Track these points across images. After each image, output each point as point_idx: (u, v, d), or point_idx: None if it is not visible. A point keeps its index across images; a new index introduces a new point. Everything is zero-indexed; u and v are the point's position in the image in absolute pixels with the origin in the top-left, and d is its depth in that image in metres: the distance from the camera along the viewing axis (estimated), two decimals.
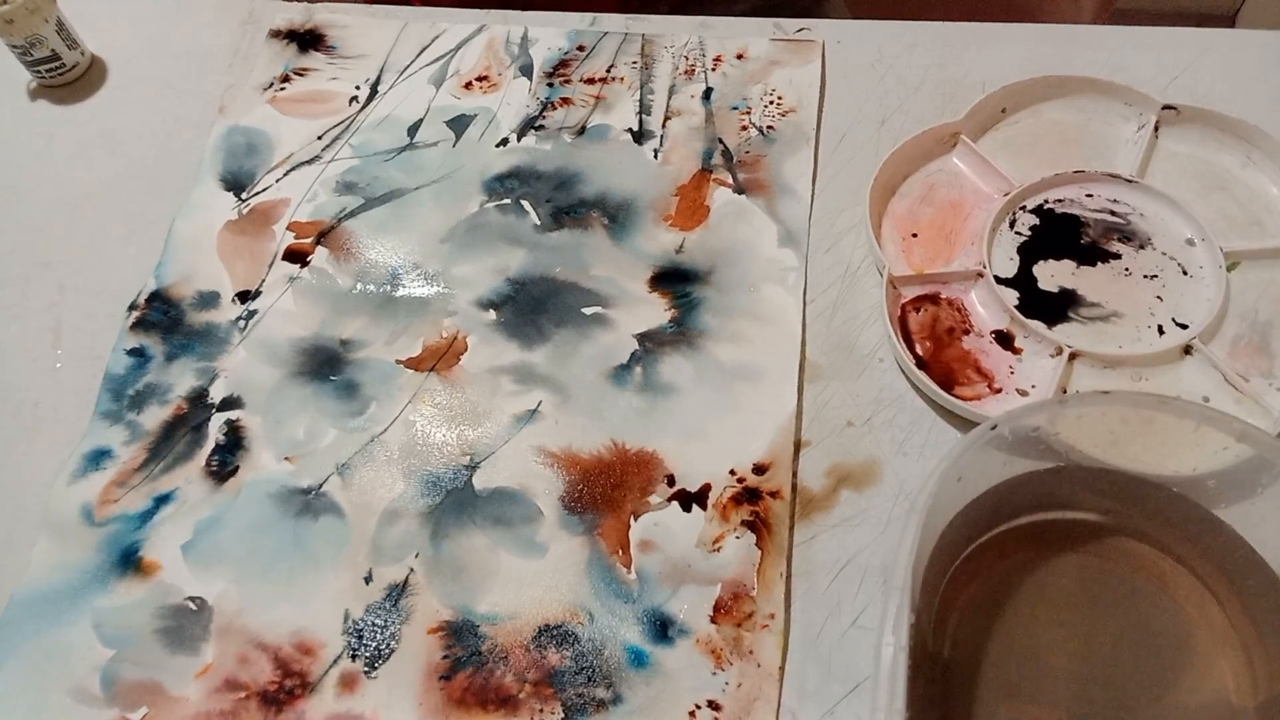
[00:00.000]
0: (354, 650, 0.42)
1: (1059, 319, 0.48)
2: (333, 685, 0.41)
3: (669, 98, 0.58)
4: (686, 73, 0.59)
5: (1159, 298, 0.48)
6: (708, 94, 0.58)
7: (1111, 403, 0.39)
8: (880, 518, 0.44)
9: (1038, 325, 0.47)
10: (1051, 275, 0.49)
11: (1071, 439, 0.40)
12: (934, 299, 0.49)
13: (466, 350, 0.49)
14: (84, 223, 0.56)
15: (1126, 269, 0.49)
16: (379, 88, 0.60)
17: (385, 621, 0.42)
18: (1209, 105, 0.52)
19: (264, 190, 0.56)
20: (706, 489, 0.45)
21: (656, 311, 0.50)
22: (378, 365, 0.49)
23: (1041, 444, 0.40)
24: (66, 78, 0.61)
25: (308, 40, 0.62)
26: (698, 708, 0.40)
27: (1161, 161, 0.53)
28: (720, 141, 0.56)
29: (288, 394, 0.49)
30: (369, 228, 0.54)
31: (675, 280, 0.51)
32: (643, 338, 0.49)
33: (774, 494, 0.44)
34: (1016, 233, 0.51)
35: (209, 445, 0.47)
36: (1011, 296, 0.48)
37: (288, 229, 0.54)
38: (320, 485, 0.46)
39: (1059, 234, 0.50)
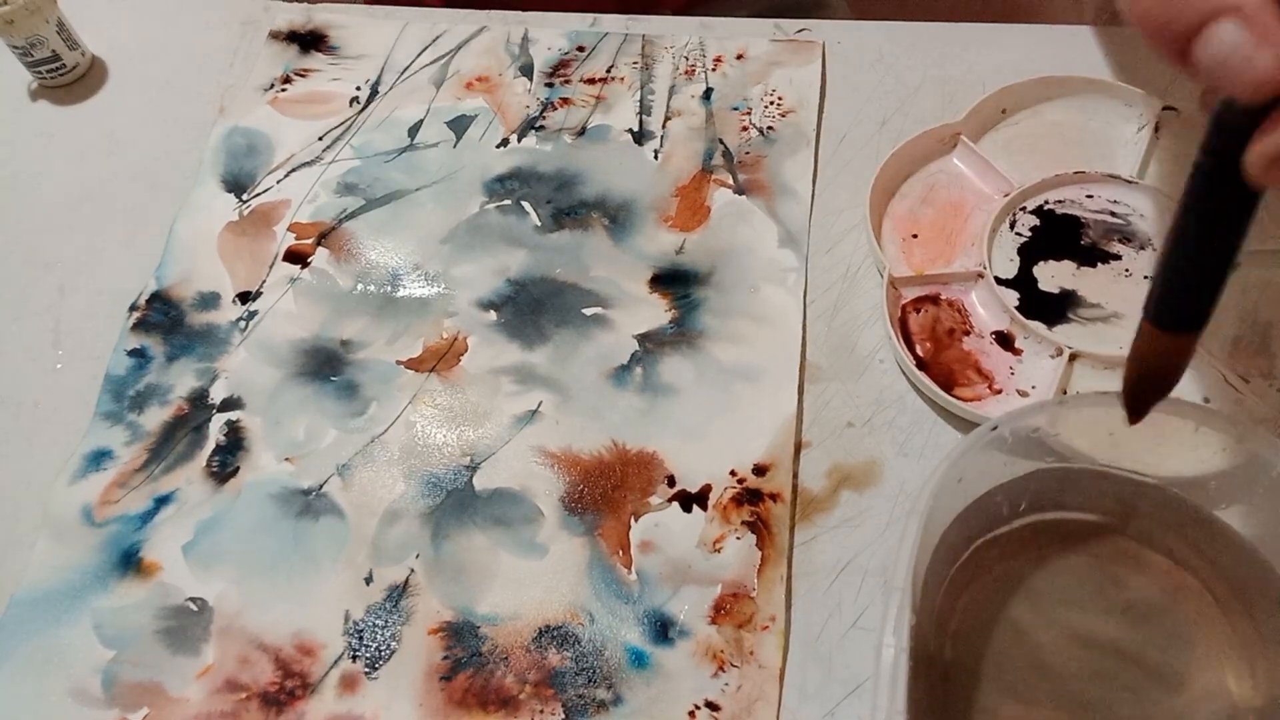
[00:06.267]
0: (355, 651, 0.42)
1: (1059, 320, 0.48)
2: (333, 686, 0.41)
3: (669, 98, 0.58)
4: (687, 73, 0.59)
5: None
6: (708, 94, 0.58)
7: (1112, 404, 0.39)
8: (881, 519, 0.44)
9: (1038, 326, 0.47)
10: (1052, 276, 0.49)
11: (1072, 440, 0.40)
12: (934, 300, 0.49)
13: (467, 351, 0.49)
14: (84, 223, 0.56)
15: (1127, 270, 0.49)
16: (379, 88, 0.60)
17: (386, 622, 0.42)
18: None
19: (265, 191, 0.56)
20: (707, 490, 0.45)
21: (657, 312, 0.50)
22: (378, 366, 0.49)
23: (1042, 445, 0.40)
24: (67, 78, 0.61)
25: (308, 41, 0.62)
26: (697, 708, 0.40)
27: (1162, 162, 0.53)
28: (720, 142, 0.56)
29: (288, 395, 0.49)
30: (370, 229, 0.54)
31: (675, 281, 0.51)
32: (643, 338, 0.49)
33: (774, 495, 0.44)
34: (1017, 233, 0.51)
35: (209, 446, 0.47)
36: (1012, 297, 0.48)
37: (288, 230, 0.54)
38: (320, 486, 0.46)
39: (1059, 235, 0.50)
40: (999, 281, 0.49)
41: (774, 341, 0.48)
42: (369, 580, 0.43)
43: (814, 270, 0.51)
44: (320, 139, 0.58)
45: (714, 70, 0.59)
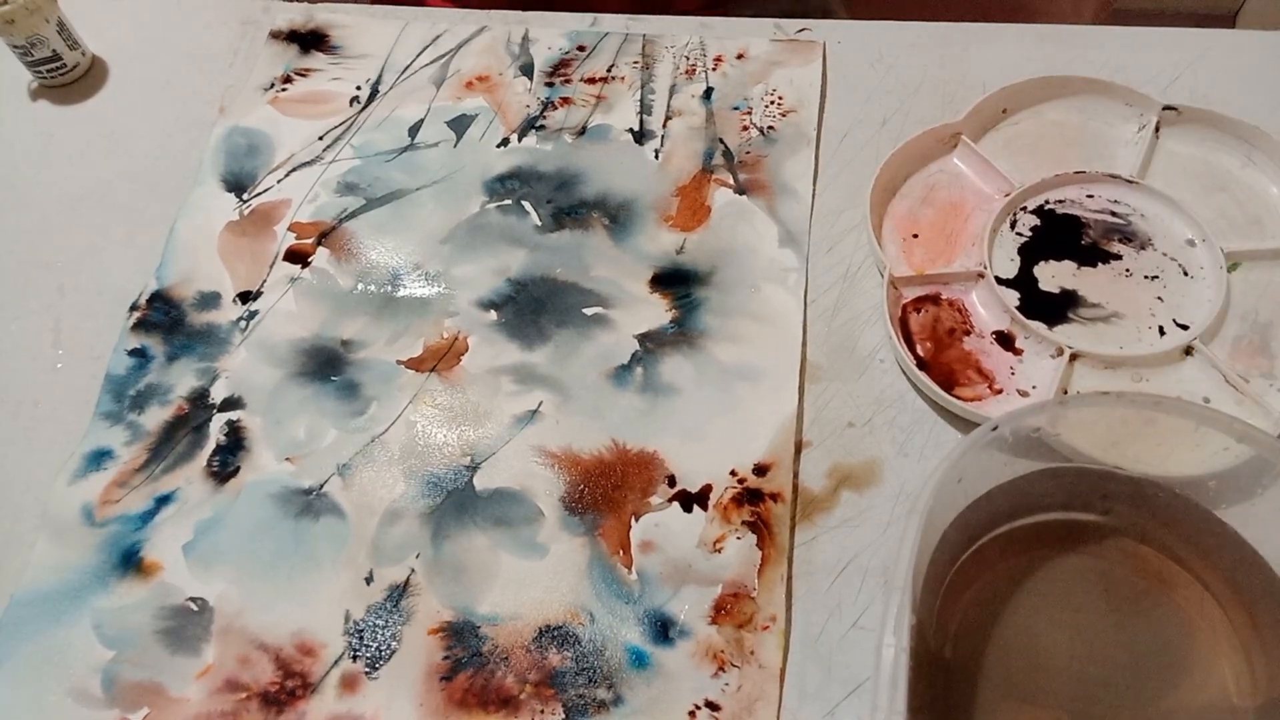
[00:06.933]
0: (355, 651, 0.42)
1: (1060, 320, 0.48)
2: (334, 686, 0.41)
3: (670, 98, 0.58)
4: (687, 73, 0.59)
5: (1160, 298, 0.48)
6: (708, 94, 0.58)
7: (1112, 404, 0.39)
8: (881, 518, 0.44)
9: (1038, 326, 0.47)
10: (1052, 276, 0.49)
11: (1072, 440, 0.40)
12: (935, 300, 0.49)
13: (467, 350, 0.49)
14: (84, 223, 0.56)
15: (1127, 270, 0.49)
16: (380, 88, 0.60)
17: (386, 622, 0.42)
18: (1209, 105, 0.52)
19: (265, 191, 0.56)
20: (707, 489, 0.45)
21: (657, 312, 0.50)
22: (378, 365, 0.49)
23: (1042, 445, 0.40)
24: (67, 78, 0.61)
25: (309, 41, 0.62)
26: (697, 708, 0.40)
27: (1162, 162, 0.53)
28: (721, 142, 0.56)
29: (288, 394, 0.49)
30: (370, 228, 0.54)
31: (676, 281, 0.51)
32: (643, 338, 0.49)
33: (775, 495, 0.44)
34: (1017, 233, 0.51)
35: (210, 446, 0.47)
36: (1012, 297, 0.48)
37: (289, 230, 0.54)
38: (321, 486, 0.46)
39: (1060, 235, 0.50)
40: (999, 281, 0.49)
41: (774, 341, 0.48)
42: (369, 580, 0.43)
43: (814, 270, 0.51)
44: (320, 139, 0.58)
45: (714, 70, 0.59)
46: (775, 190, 0.54)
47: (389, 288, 0.52)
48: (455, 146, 0.57)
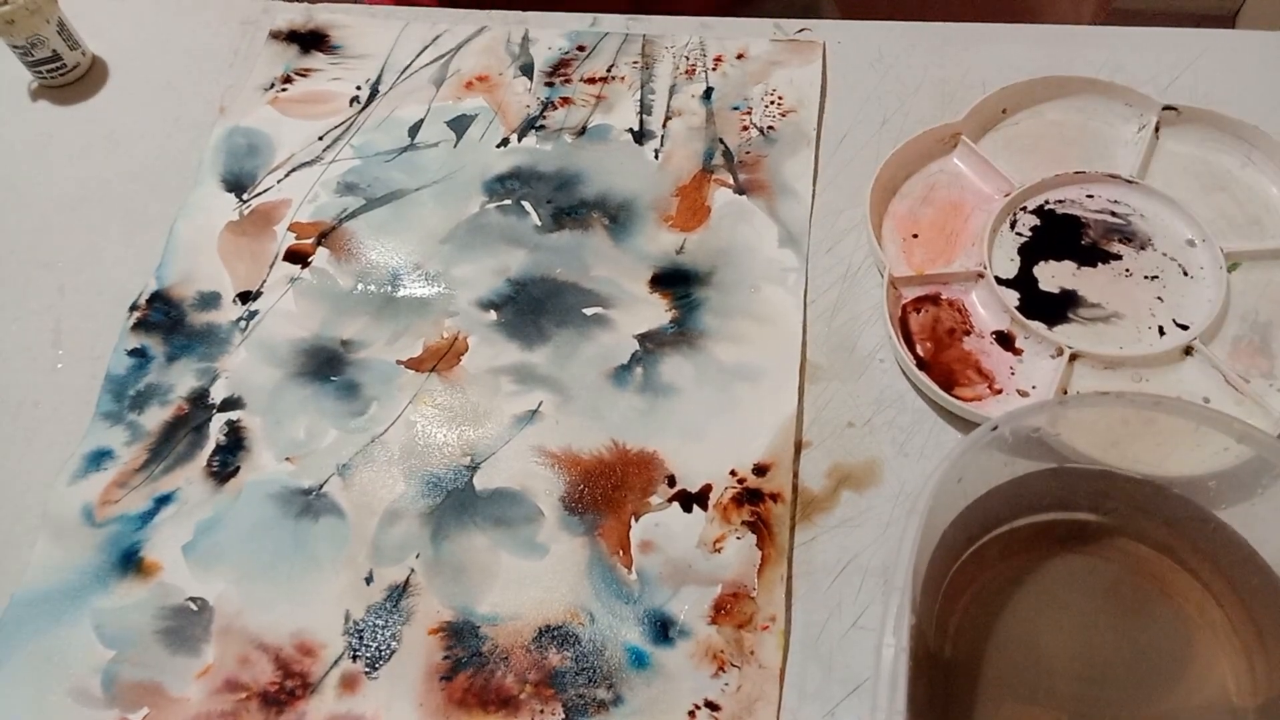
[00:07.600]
0: (355, 651, 0.42)
1: (1059, 320, 0.48)
2: (333, 686, 0.41)
3: (669, 98, 0.58)
4: (687, 73, 0.59)
5: (1159, 298, 0.48)
6: (708, 94, 0.58)
7: (1112, 404, 0.39)
8: (881, 518, 0.44)
9: (1038, 326, 0.47)
10: (1052, 276, 0.49)
11: (1072, 440, 0.40)
12: (934, 300, 0.49)
13: (467, 351, 0.49)
14: (84, 223, 0.56)
15: (1127, 270, 0.49)
16: (379, 88, 0.60)
17: (386, 622, 0.42)
18: (1209, 105, 0.52)
19: (265, 191, 0.56)
20: (707, 489, 0.45)
21: (657, 312, 0.50)
22: (378, 366, 0.49)
23: (1042, 445, 0.40)
24: (67, 78, 0.61)
25: (309, 41, 0.62)
26: (697, 708, 0.40)
27: (1162, 162, 0.53)
28: (721, 142, 0.56)
29: (288, 394, 0.49)
30: (370, 228, 0.54)
31: (676, 281, 0.51)
32: (643, 338, 0.49)
33: (774, 495, 0.44)
34: (1017, 233, 0.51)
35: (210, 446, 0.47)
36: (1012, 297, 0.48)
37: (289, 230, 0.54)
38: (321, 486, 0.46)
39: (1060, 235, 0.50)
40: (999, 281, 0.49)
41: (774, 341, 0.48)
42: (369, 580, 0.43)
43: (814, 270, 0.51)
44: (320, 139, 0.58)
45: (714, 70, 0.59)
46: (775, 190, 0.54)
47: (389, 288, 0.52)
48: (455, 146, 0.57)
